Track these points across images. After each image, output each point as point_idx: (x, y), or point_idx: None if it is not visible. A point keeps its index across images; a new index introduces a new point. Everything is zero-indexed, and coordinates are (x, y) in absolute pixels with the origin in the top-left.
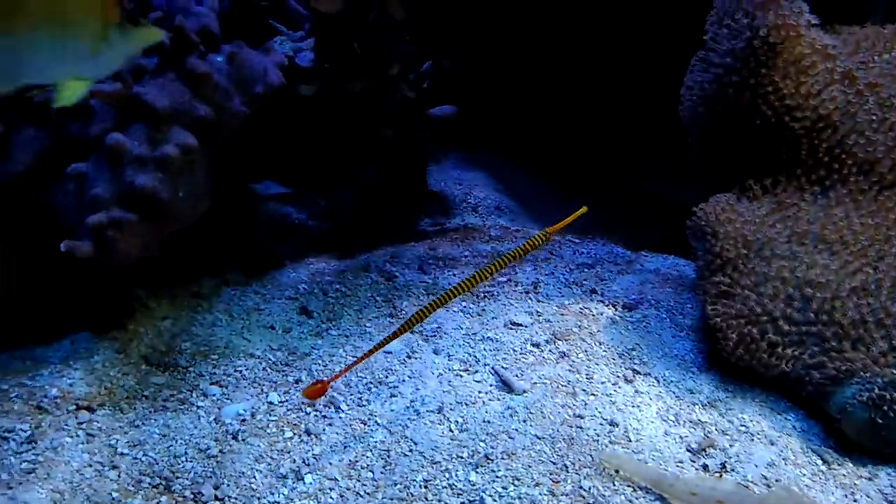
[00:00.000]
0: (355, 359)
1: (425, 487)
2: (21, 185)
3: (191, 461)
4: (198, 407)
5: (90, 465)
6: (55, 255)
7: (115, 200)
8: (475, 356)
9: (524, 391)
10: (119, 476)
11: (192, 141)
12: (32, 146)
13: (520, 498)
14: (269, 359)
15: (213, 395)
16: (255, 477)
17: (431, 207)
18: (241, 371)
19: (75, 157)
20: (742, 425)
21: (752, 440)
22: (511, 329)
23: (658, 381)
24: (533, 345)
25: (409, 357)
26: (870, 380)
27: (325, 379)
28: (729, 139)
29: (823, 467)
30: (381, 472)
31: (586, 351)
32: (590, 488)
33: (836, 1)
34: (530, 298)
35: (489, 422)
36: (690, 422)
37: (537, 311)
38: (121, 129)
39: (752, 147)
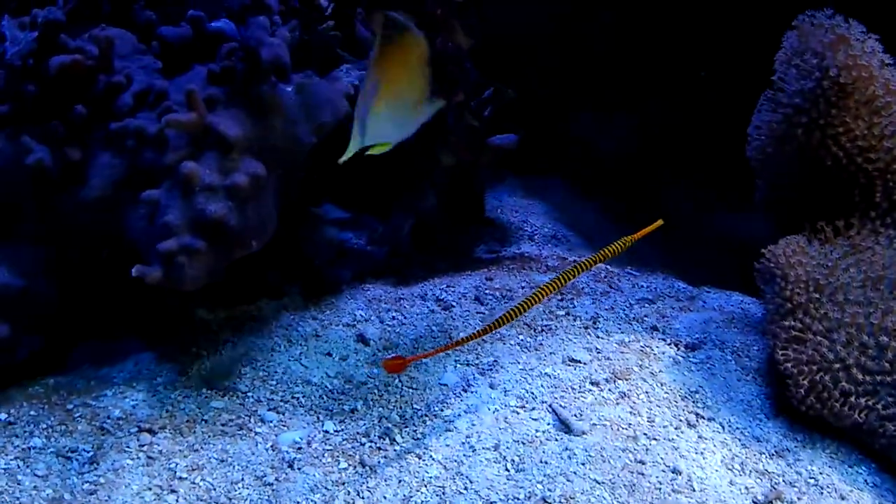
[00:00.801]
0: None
1: None
2: (97, 209)
3: (247, 488)
4: (255, 433)
5: (149, 489)
6: (127, 279)
7: (186, 227)
8: (532, 392)
9: (583, 432)
10: (177, 500)
11: (262, 170)
12: (108, 173)
13: None
14: (326, 386)
15: (271, 421)
16: None
17: (488, 235)
18: (298, 398)
19: (149, 184)
20: (811, 477)
21: (822, 493)
22: (569, 365)
23: (723, 427)
24: (592, 383)
25: (465, 391)
26: None
27: (407, 356)
28: (799, 180)
29: None
30: None
31: (647, 392)
32: None
33: None
34: (589, 334)
35: (546, 462)
36: (757, 472)
37: (596, 348)
38: (194, 157)
39: (823, 188)
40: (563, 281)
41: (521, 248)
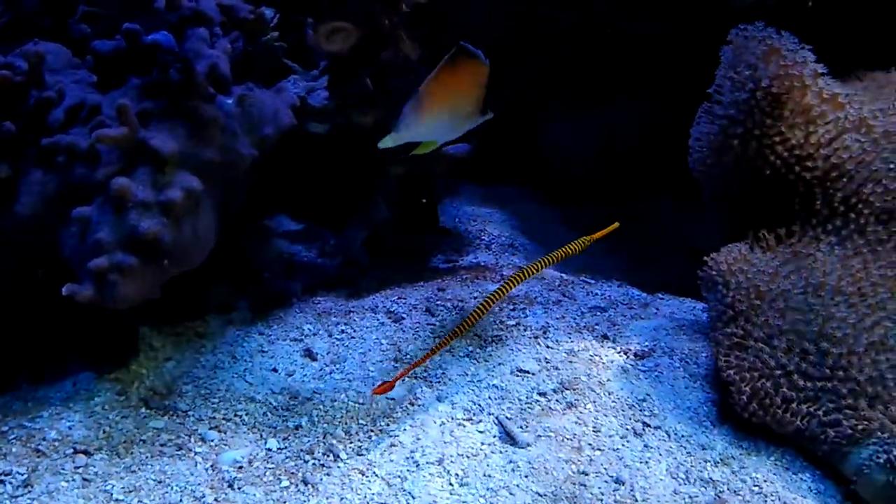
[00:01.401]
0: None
1: None
2: (30, 227)
3: None
4: (195, 453)
5: None
6: (61, 297)
7: (118, 245)
8: (479, 405)
9: (528, 444)
10: None
11: (197, 184)
12: (40, 190)
13: None
14: (270, 403)
15: (212, 440)
16: None
17: (445, 244)
18: (240, 416)
19: (81, 201)
20: (755, 485)
21: (766, 501)
22: (517, 376)
23: (669, 436)
24: (539, 394)
25: (412, 404)
26: (887, 440)
27: (390, 379)
28: (740, 190)
29: None
30: None
31: (594, 402)
32: None
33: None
34: (539, 344)
35: (490, 476)
36: (702, 480)
37: (545, 358)
38: (126, 172)
39: (764, 197)
40: (522, 277)
41: (478, 258)
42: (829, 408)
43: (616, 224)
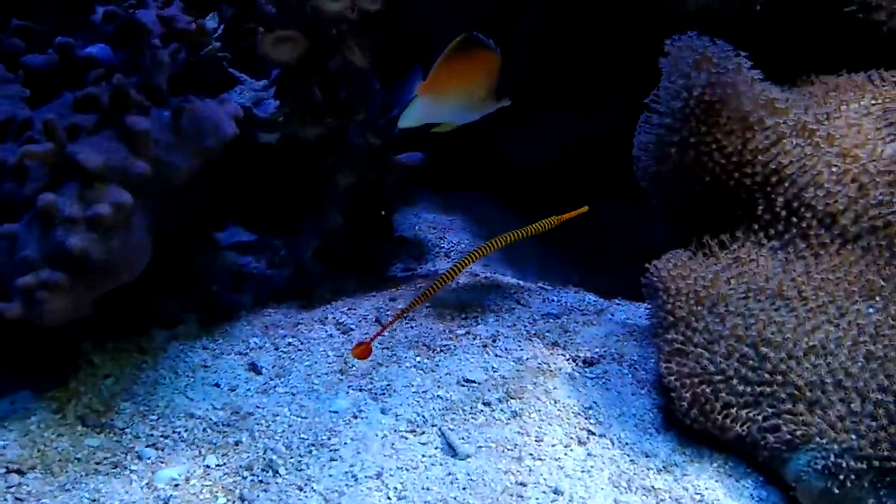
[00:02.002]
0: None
1: None
2: None
3: None
4: (131, 471)
5: None
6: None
7: (45, 261)
8: (423, 416)
9: (468, 455)
10: None
11: (127, 199)
12: None
13: None
14: (211, 419)
15: (149, 458)
16: None
17: (404, 253)
18: (179, 432)
19: (10, 217)
20: (697, 493)
21: None
22: (463, 386)
23: (612, 443)
24: (484, 403)
25: (355, 417)
26: (826, 446)
27: (367, 339)
28: (682, 198)
29: None
30: None
31: (539, 410)
32: None
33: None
34: (487, 352)
35: (428, 489)
36: (644, 489)
37: (493, 367)
38: (53, 188)
39: (706, 204)
40: (487, 249)
41: (437, 266)
42: (769, 413)
43: (585, 208)
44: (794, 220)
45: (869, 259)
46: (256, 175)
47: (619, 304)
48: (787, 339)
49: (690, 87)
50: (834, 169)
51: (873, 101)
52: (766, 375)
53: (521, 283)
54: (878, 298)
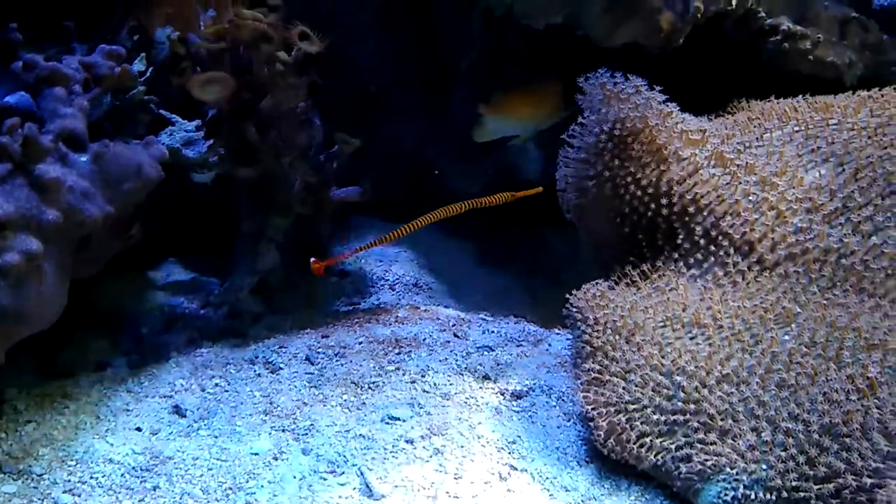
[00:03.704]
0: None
1: None
2: None
3: None
4: None
5: None
6: None
7: None
8: (344, 456)
9: (383, 496)
10: None
11: (36, 247)
12: None
13: None
14: (130, 464)
15: None
16: None
17: (348, 287)
18: (97, 478)
19: None
20: None
21: None
22: (388, 424)
23: (534, 478)
24: (407, 441)
25: (276, 459)
26: (736, 477)
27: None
28: (605, 228)
29: None
30: None
31: (462, 446)
32: None
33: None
34: (415, 388)
35: None
36: None
37: (419, 403)
38: None
39: (627, 235)
40: (443, 213)
41: (380, 299)
42: (682, 442)
43: (539, 188)
44: (713, 248)
45: (786, 286)
46: (194, 214)
47: (558, 334)
48: (700, 367)
49: (601, 122)
50: (752, 197)
51: (796, 129)
52: (680, 404)
53: (462, 314)
54: (793, 326)
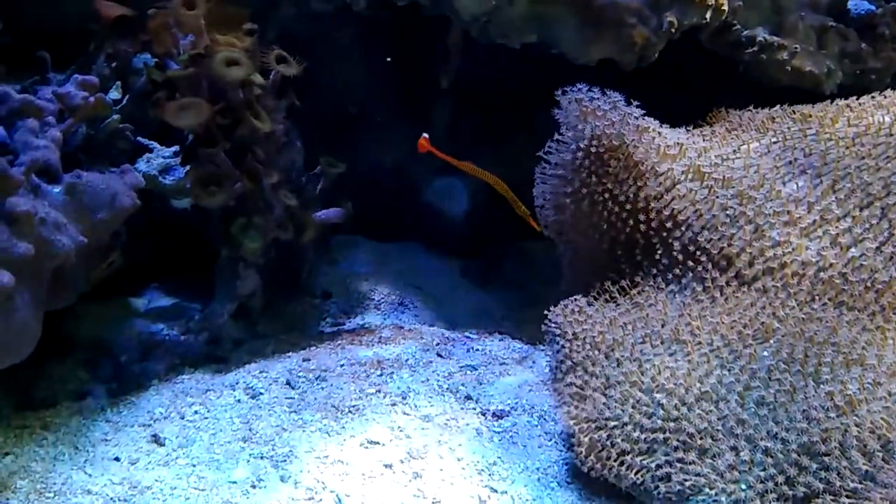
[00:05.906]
0: None
1: None
2: None
3: None
4: None
5: None
6: None
7: None
8: (322, 482)
9: None
10: None
11: (8, 280)
12: None
13: None
14: (108, 494)
15: None
16: None
17: (333, 308)
18: None
19: None
20: None
21: None
22: (367, 448)
23: (514, 501)
24: (385, 466)
25: (253, 487)
26: (715, 497)
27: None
28: (584, 244)
29: None
30: None
31: (441, 469)
32: None
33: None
34: (395, 411)
35: None
36: None
37: (399, 426)
38: None
39: (606, 250)
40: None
41: (365, 319)
42: (662, 461)
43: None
44: (691, 263)
45: (765, 301)
46: (177, 239)
47: (542, 350)
48: (679, 384)
49: (578, 138)
50: (729, 211)
51: (773, 140)
52: (660, 422)
53: (447, 332)
54: (772, 341)
